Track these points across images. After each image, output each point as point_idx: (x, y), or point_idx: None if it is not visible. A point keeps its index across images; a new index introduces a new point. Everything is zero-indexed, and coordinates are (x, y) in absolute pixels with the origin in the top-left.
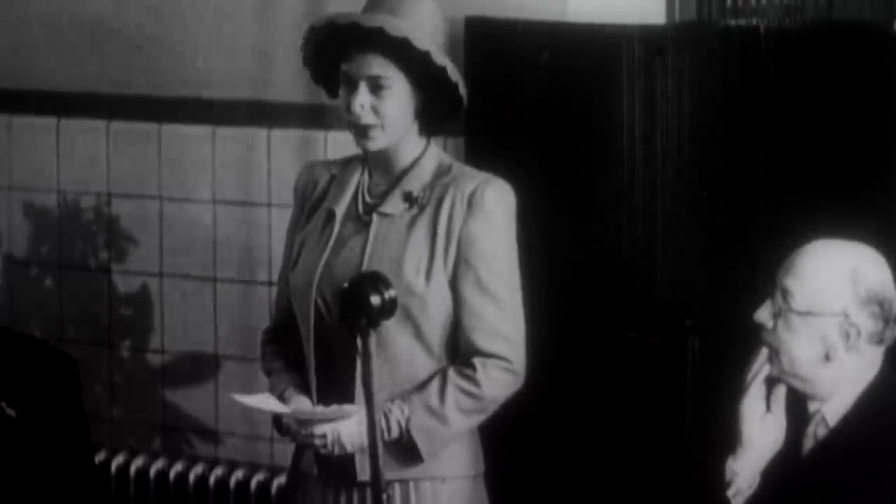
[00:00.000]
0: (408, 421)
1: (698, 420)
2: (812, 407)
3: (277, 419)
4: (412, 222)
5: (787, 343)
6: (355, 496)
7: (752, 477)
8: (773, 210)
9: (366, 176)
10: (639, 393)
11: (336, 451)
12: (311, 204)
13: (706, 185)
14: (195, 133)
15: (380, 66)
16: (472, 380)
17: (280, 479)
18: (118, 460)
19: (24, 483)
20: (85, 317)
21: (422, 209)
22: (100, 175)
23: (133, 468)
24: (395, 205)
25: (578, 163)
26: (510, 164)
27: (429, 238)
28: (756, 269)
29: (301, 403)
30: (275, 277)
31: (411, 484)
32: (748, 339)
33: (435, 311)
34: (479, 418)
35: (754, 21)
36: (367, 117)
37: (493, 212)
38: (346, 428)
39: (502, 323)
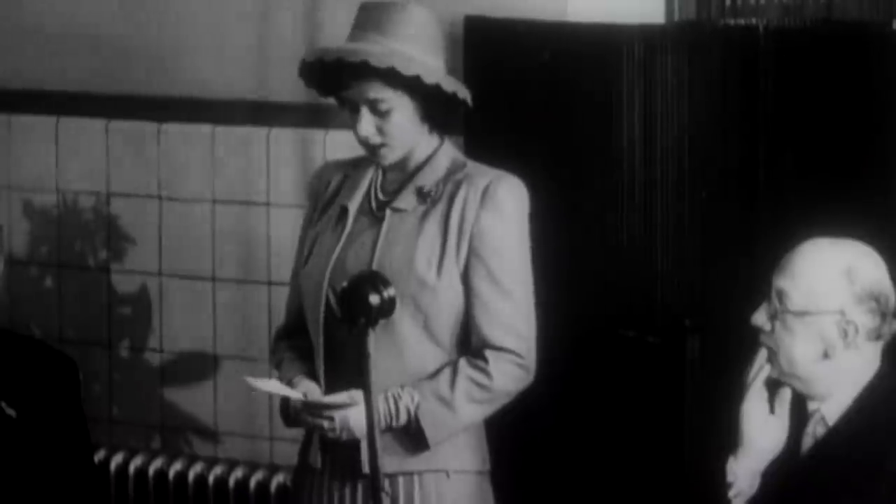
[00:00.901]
0: (417, 407)
1: (697, 420)
2: (811, 406)
3: (285, 409)
4: (424, 216)
5: (786, 344)
6: (360, 489)
7: (753, 478)
8: (773, 210)
9: (379, 173)
10: (638, 393)
11: (344, 437)
12: (323, 202)
13: (706, 185)
14: (194, 132)
15: (376, 90)
16: (484, 371)
17: (279, 478)
18: (117, 459)
19: (23, 483)
20: (84, 316)
21: (434, 204)
22: (99, 174)
23: (132, 467)
24: (407, 200)
25: (578, 162)
26: (509, 164)
27: (441, 232)
28: (755, 270)
29: (310, 388)
30: (274, 277)
31: (416, 478)
32: (747, 339)
33: (445, 305)
34: (487, 410)
35: (754, 21)
36: (374, 138)
37: (506, 207)
38: (354, 413)
39: (514, 318)
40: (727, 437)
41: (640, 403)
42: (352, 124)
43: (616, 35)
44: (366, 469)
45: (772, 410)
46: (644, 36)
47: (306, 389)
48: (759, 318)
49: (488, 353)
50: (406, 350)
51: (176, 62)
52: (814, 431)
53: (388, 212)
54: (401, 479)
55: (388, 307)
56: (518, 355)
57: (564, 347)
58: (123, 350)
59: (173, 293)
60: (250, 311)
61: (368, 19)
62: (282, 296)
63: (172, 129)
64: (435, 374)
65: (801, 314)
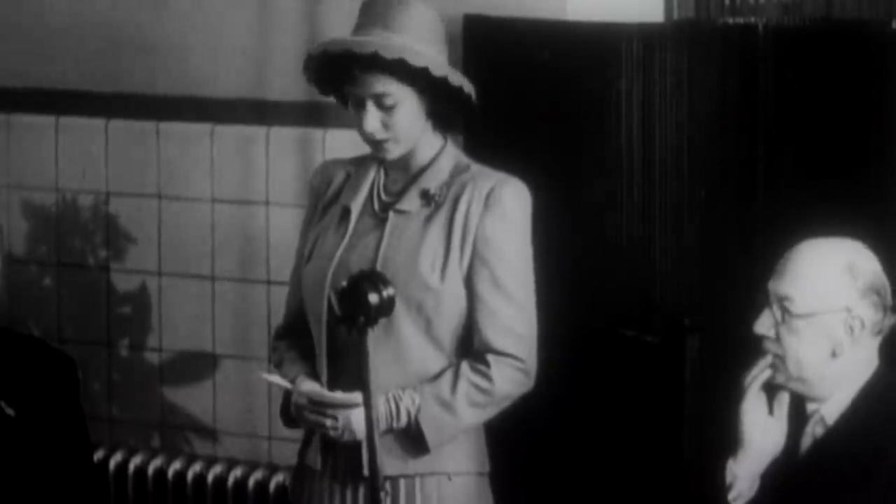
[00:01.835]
0: (417, 409)
1: (697, 419)
2: (810, 407)
3: (285, 409)
4: (428, 219)
5: (793, 348)
6: (360, 491)
7: (753, 479)
8: (772, 209)
9: (381, 173)
10: (637, 392)
11: (345, 437)
12: (325, 201)
13: (705, 185)
14: (193, 131)
15: (382, 83)
16: (485, 375)
17: (278, 478)
18: (117, 458)
19: (23, 482)
20: (83, 315)
21: (438, 207)
22: (98, 173)
23: (131, 466)
24: (411, 202)
25: (577, 162)
26: (509, 164)
27: (445, 235)
28: (755, 269)
29: (313, 388)
30: (273, 276)
31: (417, 480)
32: (747, 339)
33: (448, 308)
34: (488, 414)
35: (753, 19)
36: (379, 133)
37: (510, 210)
38: (357, 414)
39: (516, 322)
40: (727, 438)
41: (639, 403)
42: (356, 120)
43: (615, 34)
44: (366, 471)
45: (770, 412)
46: (643, 35)
47: (310, 389)
48: (762, 326)
49: (490, 358)
50: (407, 352)
51: (175, 61)
52: (813, 432)
53: (391, 213)
54: (402, 482)
55: (387, 306)
56: (520, 360)
57: (564, 347)
58: (123, 349)
59: (173, 292)
60: (249, 310)
61: (373, 15)
62: (281, 295)
63: (172, 128)
64: (436, 377)
65: (808, 316)
